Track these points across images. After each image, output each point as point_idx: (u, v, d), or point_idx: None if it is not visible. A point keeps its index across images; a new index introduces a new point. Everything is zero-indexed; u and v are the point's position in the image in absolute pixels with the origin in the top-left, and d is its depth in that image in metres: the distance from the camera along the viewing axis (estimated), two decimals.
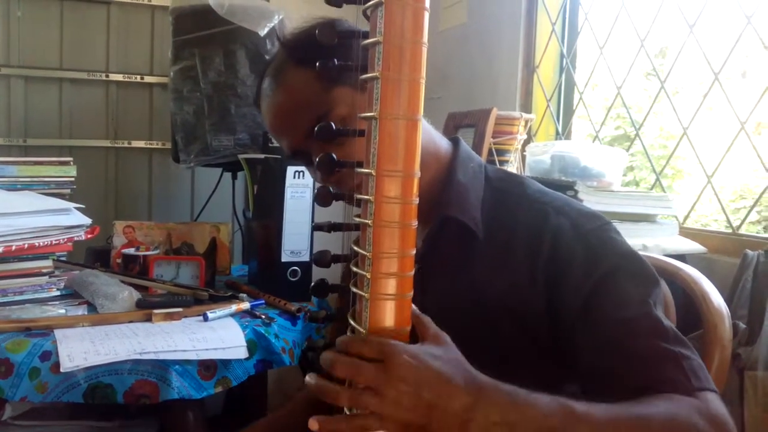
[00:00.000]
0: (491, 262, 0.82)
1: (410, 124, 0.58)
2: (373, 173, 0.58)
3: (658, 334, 0.73)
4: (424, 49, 0.58)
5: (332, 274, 0.72)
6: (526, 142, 1.80)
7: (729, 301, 1.18)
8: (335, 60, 0.61)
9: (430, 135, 0.91)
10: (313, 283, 0.65)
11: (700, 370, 0.71)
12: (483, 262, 0.83)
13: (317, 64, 0.62)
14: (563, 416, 0.61)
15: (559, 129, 1.99)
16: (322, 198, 0.63)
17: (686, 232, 1.46)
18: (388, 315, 0.60)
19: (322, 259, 0.65)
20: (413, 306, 0.62)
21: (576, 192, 1.30)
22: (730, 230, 1.44)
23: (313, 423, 0.59)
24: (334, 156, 0.62)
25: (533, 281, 0.79)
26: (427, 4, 0.58)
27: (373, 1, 0.57)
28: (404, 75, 0.57)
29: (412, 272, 0.61)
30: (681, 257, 1.28)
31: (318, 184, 1.05)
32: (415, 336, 0.62)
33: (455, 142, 0.93)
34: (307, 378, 0.61)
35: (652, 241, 1.33)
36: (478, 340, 0.66)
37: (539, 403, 0.61)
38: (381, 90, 0.58)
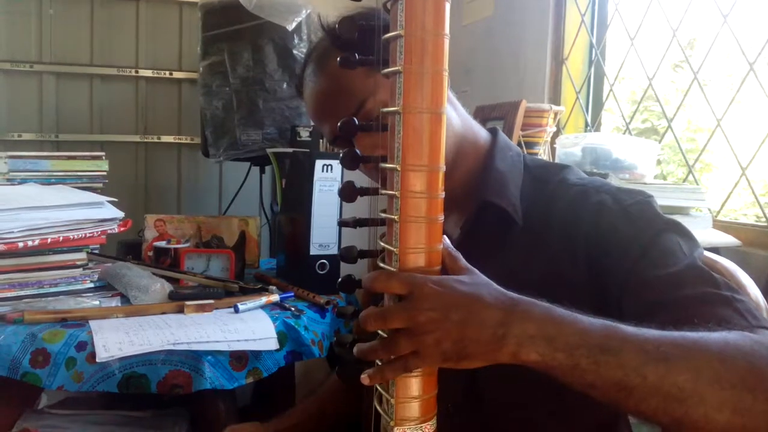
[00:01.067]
0: (529, 248, 0.82)
1: (434, 117, 0.58)
2: (398, 168, 0.58)
3: (708, 282, 0.70)
4: (446, 42, 0.58)
5: (359, 268, 0.72)
6: (555, 134, 1.78)
7: (765, 293, 1.16)
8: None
9: (469, 124, 0.91)
10: (340, 279, 0.65)
11: (756, 312, 0.67)
12: (520, 248, 0.82)
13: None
14: (608, 332, 0.58)
15: (589, 121, 1.97)
16: (346, 193, 0.63)
17: (720, 225, 1.44)
18: None
19: (348, 254, 0.64)
20: (445, 239, 0.61)
21: (609, 181, 1.29)
22: (764, 222, 1.41)
23: (364, 378, 0.59)
24: (358, 151, 0.63)
25: (573, 258, 0.78)
26: None
27: None
28: (427, 68, 0.57)
29: (440, 267, 0.61)
30: (715, 250, 1.25)
31: (348, 177, 1.05)
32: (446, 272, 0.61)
33: (493, 133, 0.94)
34: (356, 349, 0.61)
35: None
36: None
37: (580, 318, 0.59)
38: (404, 84, 0.57)
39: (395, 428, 0.60)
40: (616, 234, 0.77)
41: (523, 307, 0.58)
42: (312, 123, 1.86)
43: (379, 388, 0.62)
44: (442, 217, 0.60)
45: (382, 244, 0.61)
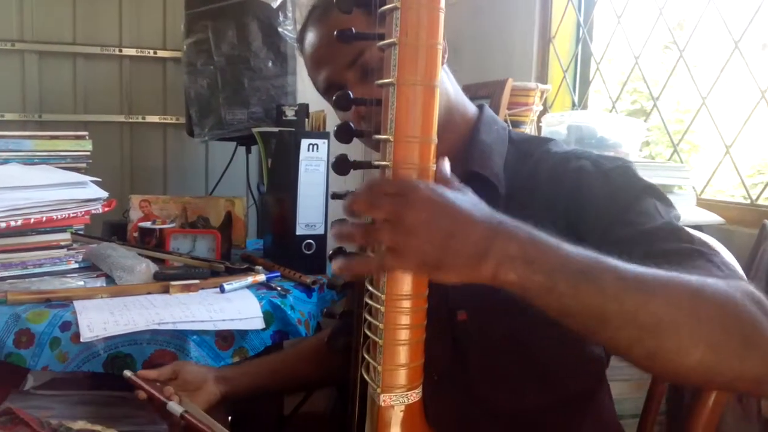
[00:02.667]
0: (513, 218, 0.82)
1: (428, 89, 0.59)
2: (391, 139, 0.59)
3: (683, 238, 0.71)
4: (442, 15, 0.58)
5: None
6: (542, 113, 1.78)
7: (747, 271, 1.17)
8: None
9: (460, 96, 0.94)
10: (331, 251, 0.66)
11: (731, 265, 0.68)
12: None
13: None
14: (590, 261, 0.58)
15: (576, 100, 1.97)
16: (339, 166, 0.63)
17: (704, 203, 1.45)
18: (407, 281, 0.60)
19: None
20: (441, 164, 0.61)
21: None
22: (748, 201, 1.42)
23: (334, 265, 0.58)
24: (351, 94, 0.65)
25: (554, 225, 0.77)
26: None
27: None
28: (422, 41, 0.58)
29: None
30: (699, 228, 1.26)
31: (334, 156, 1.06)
32: None
33: (480, 108, 0.96)
34: (332, 229, 0.60)
35: None
36: (501, 296, 0.65)
37: (563, 245, 0.58)
38: (399, 56, 0.58)
39: (381, 395, 0.61)
40: (594, 196, 0.79)
41: (508, 227, 0.58)
42: (298, 100, 1.85)
43: (366, 356, 0.63)
44: None
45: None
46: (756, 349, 0.57)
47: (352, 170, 0.63)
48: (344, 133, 0.63)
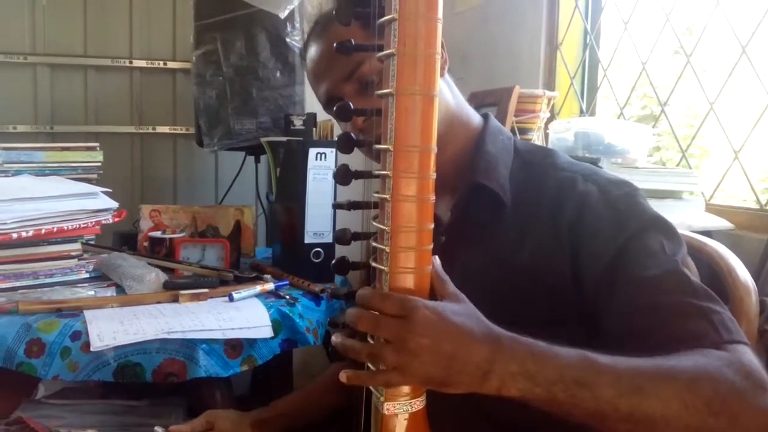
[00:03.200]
0: (518, 230, 0.83)
1: (426, 99, 0.59)
2: (391, 149, 0.59)
3: (685, 290, 0.71)
4: (439, 26, 0.59)
5: (354, 254, 0.73)
6: (550, 120, 1.78)
7: (756, 277, 1.16)
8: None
9: (462, 106, 0.93)
10: (334, 261, 0.66)
11: (730, 323, 0.69)
12: (510, 229, 0.83)
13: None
14: (584, 367, 0.61)
15: (583, 107, 1.97)
16: (341, 176, 0.63)
17: (713, 209, 1.44)
18: (408, 285, 0.61)
19: (342, 236, 0.66)
20: (434, 261, 0.63)
21: (600, 169, 1.29)
22: (758, 207, 1.42)
23: (342, 376, 0.61)
24: (351, 104, 0.66)
25: (558, 246, 0.79)
26: None
27: None
28: (420, 51, 0.58)
29: (431, 246, 0.62)
30: (707, 234, 1.26)
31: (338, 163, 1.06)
32: (434, 295, 0.63)
33: (485, 118, 0.95)
34: (334, 338, 0.63)
35: (678, 218, 1.31)
36: (505, 308, 0.66)
37: (560, 353, 0.61)
38: (397, 66, 0.58)
39: (385, 404, 0.62)
40: (599, 226, 0.77)
41: (508, 344, 0.61)
42: (306, 110, 1.86)
43: (370, 365, 0.63)
44: (433, 197, 0.61)
45: (374, 224, 0.62)
46: (741, 424, 0.62)
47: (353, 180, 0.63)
48: (346, 143, 0.63)
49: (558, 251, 0.79)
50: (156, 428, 1.00)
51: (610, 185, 0.82)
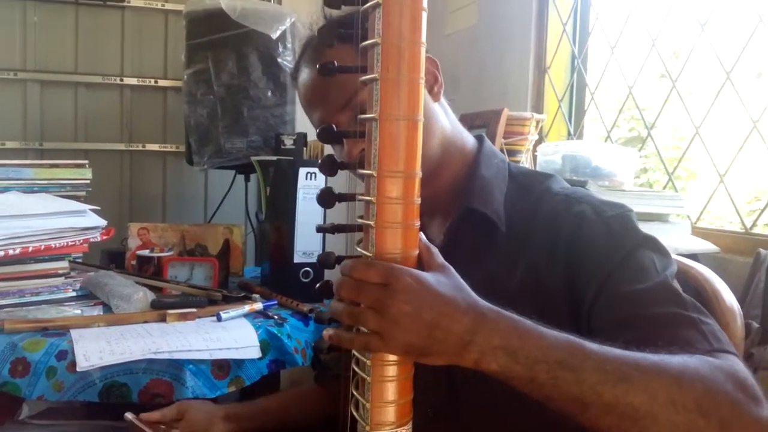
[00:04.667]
0: (512, 255, 0.83)
1: (410, 124, 0.59)
2: (375, 174, 0.58)
3: (675, 301, 0.72)
4: (423, 50, 0.59)
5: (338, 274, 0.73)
6: (538, 142, 1.80)
7: (742, 300, 1.17)
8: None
9: (458, 130, 0.93)
10: (318, 284, 0.65)
11: (719, 334, 0.69)
12: (504, 255, 0.83)
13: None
14: (570, 349, 0.60)
15: (571, 130, 1.99)
16: (324, 199, 0.63)
17: (699, 232, 1.45)
18: None
19: (327, 260, 0.65)
20: (421, 235, 0.62)
21: (593, 193, 1.30)
22: (743, 230, 1.43)
23: (326, 332, 0.61)
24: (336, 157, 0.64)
25: (552, 266, 0.79)
26: (425, 4, 0.58)
27: (372, 2, 0.58)
28: (403, 75, 0.58)
29: (416, 256, 0.61)
30: (693, 257, 1.27)
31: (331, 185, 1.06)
32: (422, 266, 0.62)
33: (480, 140, 0.95)
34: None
35: (665, 241, 1.29)
36: None
37: (545, 333, 0.60)
38: (381, 91, 0.58)
39: None
40: (593, 245, 0.78)
41: (492, 317, 0.60)
42: (296, 129, 1.86)
43: (355, 393, 0.62)
44: (418, 223, 0.61)
45: (358, 249, 0.62)
46: (734, 430, 0.59)
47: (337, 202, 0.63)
48: (329, 166, 0.63)
49: (552, 271, 0.79)
50: (126, 414, 0.98)
51: (604, 206, 0.83)
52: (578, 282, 0.77)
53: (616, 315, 0.73)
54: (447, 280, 0.61)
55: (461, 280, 0.62)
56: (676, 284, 0.75)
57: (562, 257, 0.79)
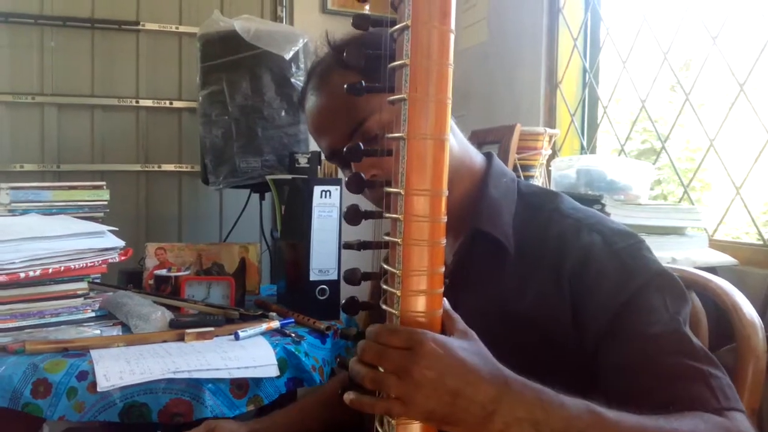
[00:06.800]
0: (520, 277, 0.82)
1: (438, 143, 0.60)
2: (402, 192, 0.59)
3: (686, 351, 0.72)
4: (450, 70, 0.60)
5: (360, 292, 0.73)
6: (551, 157, 1.80)
7: (762, 312, 1.16)
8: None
9: (466, 149, 0.92)
10: (344, 301, 0.66)
11: (728, 389, 0.70)
12: (512, 276, 0.83)
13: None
14: (591, 420, 0.60)
15: (584, 144, 1.99)
16: (351, 216, 0.64)
17: (716, 245, 1.45)
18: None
19: (352, 277, 0.66)
20: (444, 301, 0.62)
21: (603, 206, 1.30)
22: (761, 242, 1.42)
23: (346, 396, 0.61)
24: (363, 175, 0.64)
25: (560, 296, 0.79)
26: (453, 26, 0.59)
27: (400, 24, 0.59)
28: (431, 96, 0.59)
29: (442, 289, 0.62)
30: (711, 269, 1.26)
31: (347, 203, 1.07)
32: (444, 332, 0.62)
33: (488, 157, 0.95)
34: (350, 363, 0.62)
35: (682, 254, 1.32)
36: (506, 355, 0.66)
37: (567, 404, 0.61)
38: (409, 111, 0.59)
39: None
40: (602, 279, 0.77)
41: (516, 388, 0.60)
42: (310, 148, 1.88)
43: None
44: (444, 241, 0.61)
45: (385, 266, 0.62)
46: None
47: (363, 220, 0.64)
48: (356, 184, 0.64)
49: (559, 302, 0.78)
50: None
51: (615, 236, 0.81)
52: (584, 312, 0.77)
53: (623, 358, 0.73)
54: (471, 347, 0.61)
55: (484, 347, 0.62)
56: (688, 330, 0.74)
57: (568, 287, 0.78)
